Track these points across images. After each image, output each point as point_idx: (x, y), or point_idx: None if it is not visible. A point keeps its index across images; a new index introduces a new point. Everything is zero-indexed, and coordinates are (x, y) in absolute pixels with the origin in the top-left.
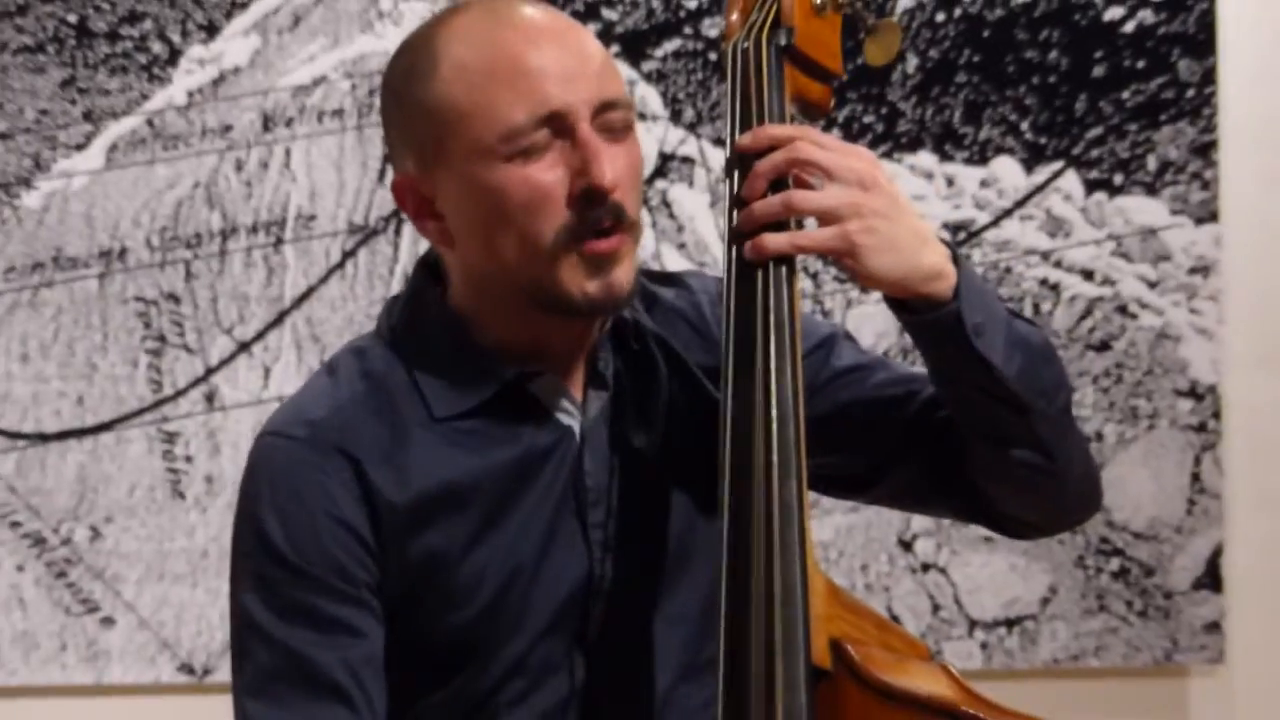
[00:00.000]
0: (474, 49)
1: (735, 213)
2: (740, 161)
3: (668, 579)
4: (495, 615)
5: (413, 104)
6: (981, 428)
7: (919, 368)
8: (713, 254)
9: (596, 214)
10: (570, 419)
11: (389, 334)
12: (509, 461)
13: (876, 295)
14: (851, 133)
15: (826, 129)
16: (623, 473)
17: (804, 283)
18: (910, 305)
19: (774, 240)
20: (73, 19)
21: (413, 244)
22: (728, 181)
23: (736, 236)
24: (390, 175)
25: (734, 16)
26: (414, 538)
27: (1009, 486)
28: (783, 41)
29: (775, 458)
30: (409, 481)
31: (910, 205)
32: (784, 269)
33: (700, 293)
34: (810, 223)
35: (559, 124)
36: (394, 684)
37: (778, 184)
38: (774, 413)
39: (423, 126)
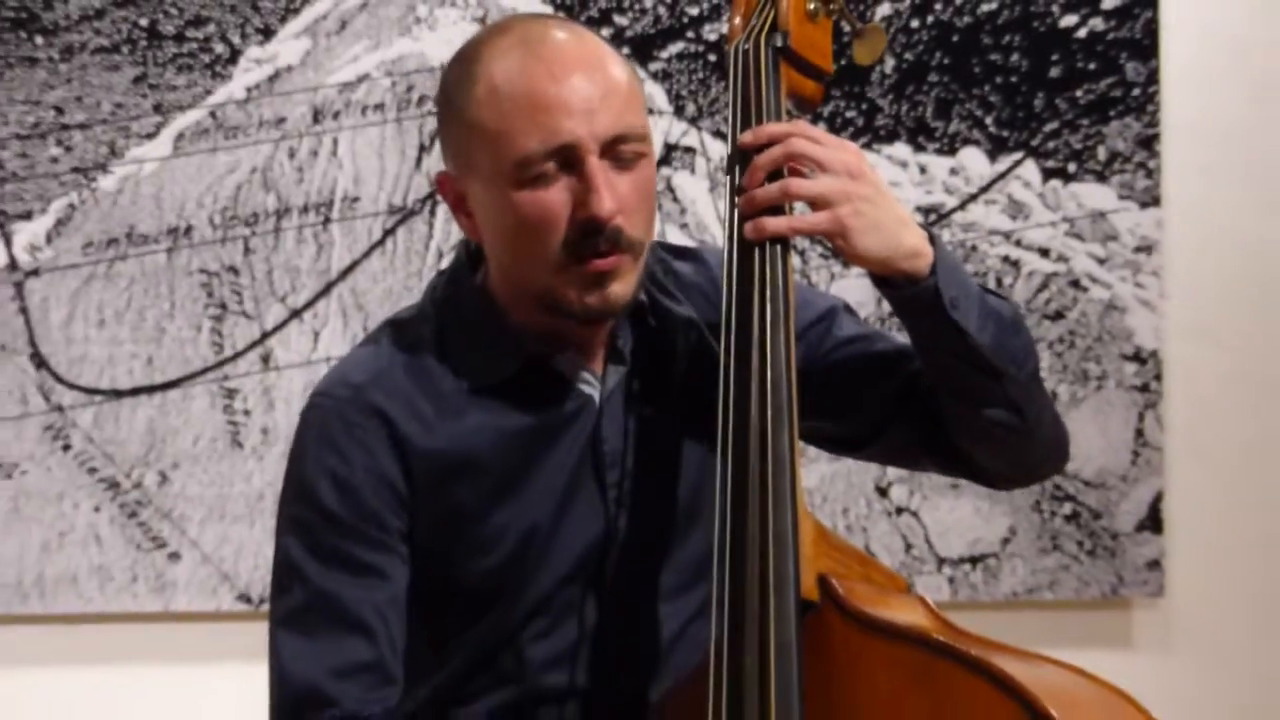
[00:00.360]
0: (504, 76)
1: (737, 200)
2: (741, 156)
3: (679, 532)
4: (518, 564)
5: (455, 113)
6: (959, 392)
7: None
8: (712, 233)
9: (595, 240)
10: (591, 389)
11: (431, 308)
12: (532, 427)
13: (856, 270)
14: (834, 126)
15: (814, 122)
16: (638, 438)
17: (793, 259)
18: (893, 281)
19: (773, 222)
20: (144, 22)
21: (445, 223)
22: (730, 174)
23: (739, 220)
24: (425, 163)
25: (736, 21)
26: (442, 492)
27: (985, 444)
28: (779, 44)
29: (769, 412)
30: (439, 442)
31: (891, 193)
32: (779, 248)
33: (716, 266)
34: (801, 209)
35: (568, 155)
36: (429, 622)
37: (774, 175)
38: (769, 373)
39: (459, 136)
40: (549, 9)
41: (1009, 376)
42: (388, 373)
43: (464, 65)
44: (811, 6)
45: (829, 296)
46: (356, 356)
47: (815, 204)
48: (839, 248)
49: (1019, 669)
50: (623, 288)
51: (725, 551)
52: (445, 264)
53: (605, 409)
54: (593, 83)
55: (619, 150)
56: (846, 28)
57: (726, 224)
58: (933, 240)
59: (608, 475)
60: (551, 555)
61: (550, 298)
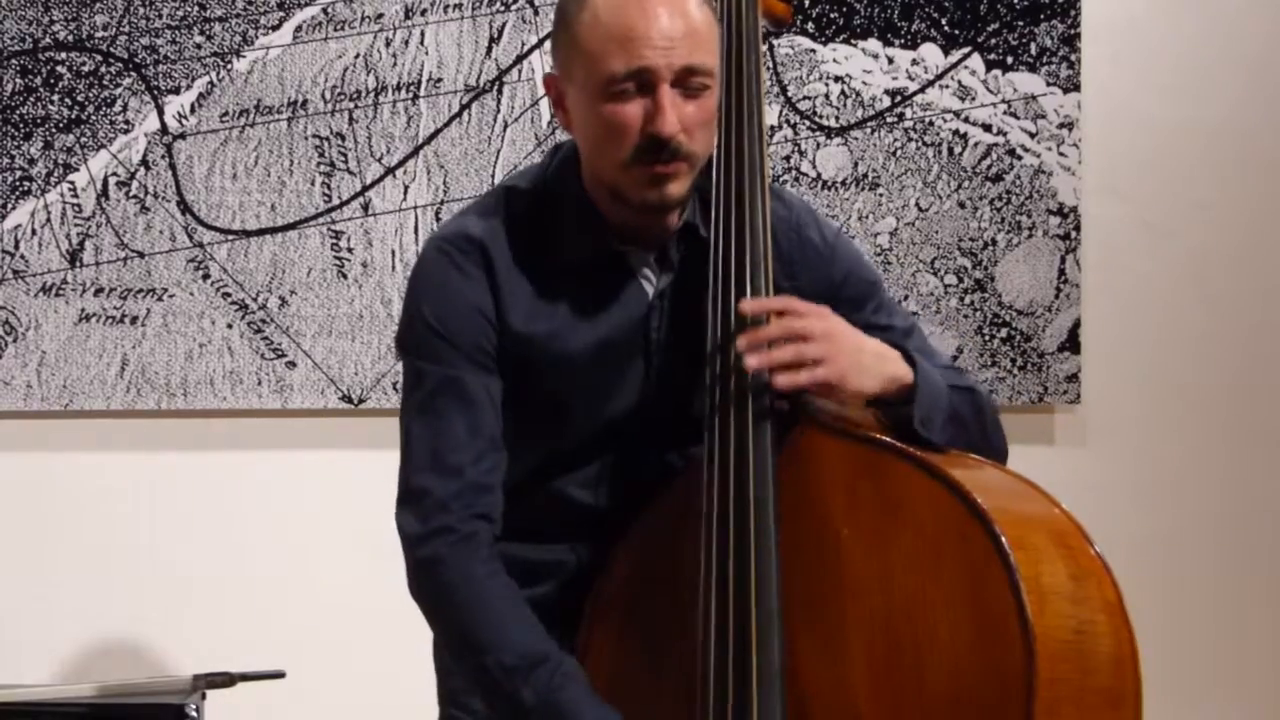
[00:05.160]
0: (606, 6)
1: (736, 354)
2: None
3: (692, 407)
4: (579, 402)
5: (565, 30)
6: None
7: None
8: None
9: (659, 151)
10: (649, 285)
11: (542, 185)
12: (599, 305)
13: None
14: (820, 26)
15: (795, 29)
16: (677, 335)
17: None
18: (880, 402)
19: (789, 378)
20: None
21: (509, 99)
22: (719, 130)
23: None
24: (495, 52)
25: None
26: (523, 338)
27: None
28: None
29: (750, 268)
30: (525, 298)
31: (866, 339)
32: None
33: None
34: None
35: (644, 79)
36: (514, 434)
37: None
38: (748, 263)
39: (565, 50)
40: None
41: (960, 446)
42: (500, 232)
43: None
44: None
45: (873, 273)
46: (479, 209)
47: (816, 363)
48: (840, 391)
49: (952, 465)
50: (677, 188)
51: (713, 364)
52: (510, 134)
53: (655, 308)
54: (674, 22)
55: (689, 80)
56: None
57: (715, 175)
58: (910, 359)
59: (653, 359)
60: (594, 411)
61: (618, 190)
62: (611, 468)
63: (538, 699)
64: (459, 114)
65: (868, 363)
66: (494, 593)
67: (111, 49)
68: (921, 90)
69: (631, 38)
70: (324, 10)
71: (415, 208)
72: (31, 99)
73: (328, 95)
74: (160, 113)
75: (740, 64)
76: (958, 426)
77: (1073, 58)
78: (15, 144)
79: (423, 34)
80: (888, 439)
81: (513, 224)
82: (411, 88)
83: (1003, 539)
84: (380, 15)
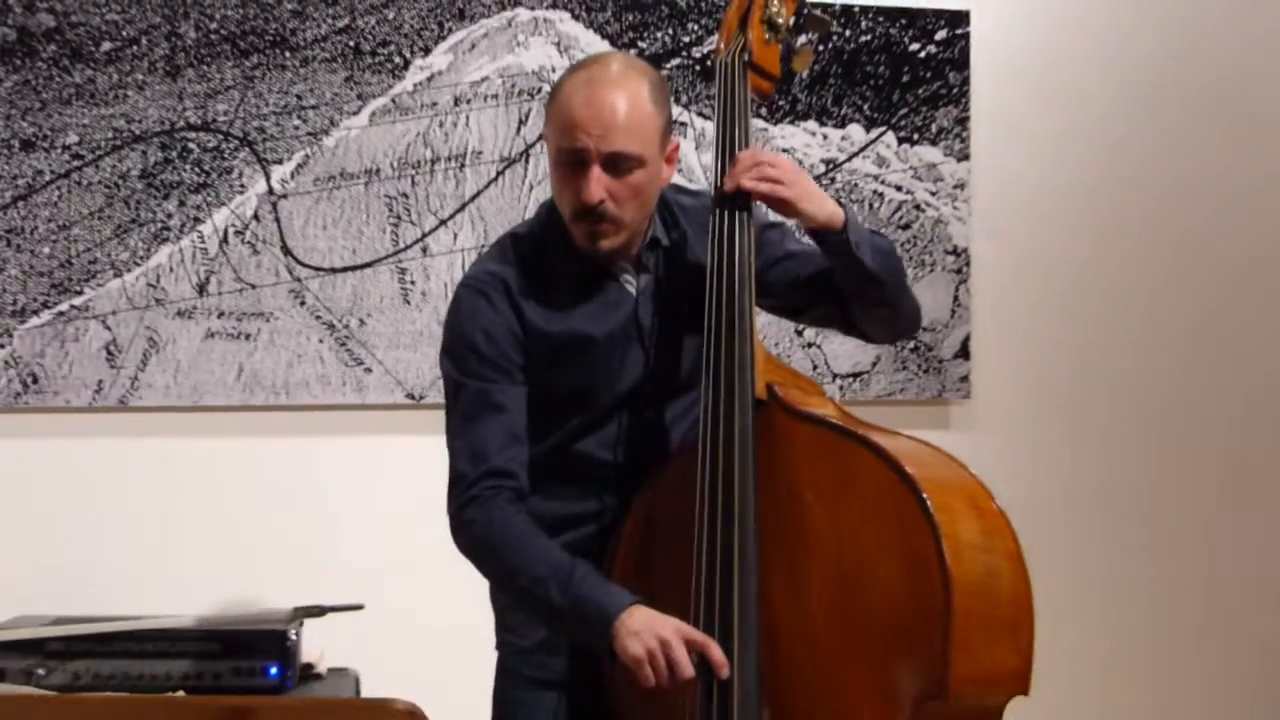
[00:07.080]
0: (565, 93)
1: (724, 181)
2: (724, 170)
3: (686, 378)
4: (587, 390)
5: (550, 100)
6: (859, 297)
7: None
8: (696, 175)
9: (587, 215)
10: (631, 288)
11: (538, 227)
12: (597, 308)
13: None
14: (771, 109)
15: (769, 105)
16: (662, 321)
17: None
18: (821, 235)
19: (761, 184)
20: (352, 44)
21: (534, 168)
22: (717, 166)
23: (727, 187)
24: (523, 131)
25: (720, 45)
26: (543, 343)
27: (873, 324)
28: (747, 59)
29: (735, 286)
30: (540, 313)
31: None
32: (746, 213)
33: (708, 199)
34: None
35: (579, 157)
36: (536, 416)
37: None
38: (735, 265)
39: (547, 116)
40: (600, 41)
41: (888, 285)
42: (511, 267)
43: (561, 78)
44: (767, 36)
45: (777, 221)
46: (492, 255)
47: (775, 182)
48: (792, 211)
49: (890, 442)
50: (608, 243)
51: (709, 367)
52: (536, 194)
53: (640, 300)
54: (613, 115)
55: (617, 163)
56: (792, 47)
57: (713, 188)
58: (843, 206)
59: (645, 342)
60: (610, 387)
61: (571, 233)
62: (625, 429)
63: (564, 596)
64: (495, 179)
65: (815, 194)
66: (515, 530)
67: (230, 130)
68: (849, 160)
69: (575, 123)
70: (393, 100)
71: (463, 250)
72: (169, 168)
73: (395, 164)
74: (268, 178)
75: (733, 130)
76: (882, 257)
77: (964, 135)
78: (157, 203)
79: (468, 118)
80: (843, 424)
81: (520, 259)
82: (459, 158)
83: (928, 502)
84: (435, 103)
